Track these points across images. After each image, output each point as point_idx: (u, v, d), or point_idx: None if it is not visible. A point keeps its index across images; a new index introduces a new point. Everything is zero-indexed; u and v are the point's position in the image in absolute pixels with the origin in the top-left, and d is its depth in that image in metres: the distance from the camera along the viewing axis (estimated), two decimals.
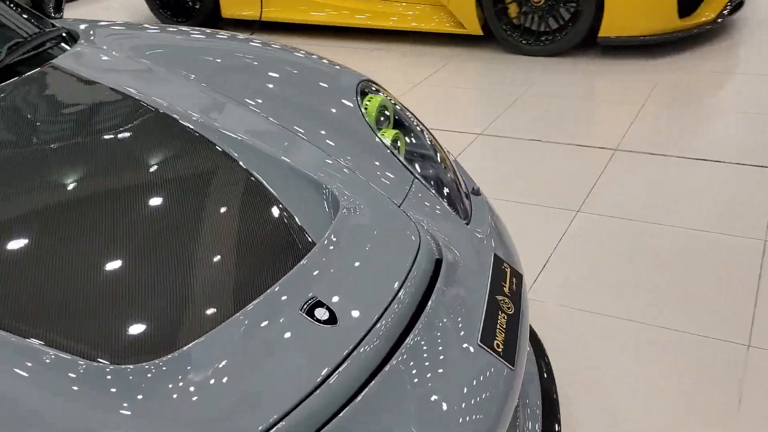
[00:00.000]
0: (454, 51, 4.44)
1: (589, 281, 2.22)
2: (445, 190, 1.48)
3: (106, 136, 1.37)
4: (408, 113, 1.64)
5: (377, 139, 1.47)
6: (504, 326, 1.19)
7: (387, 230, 1.26)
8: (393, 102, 1.62)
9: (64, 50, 1.64)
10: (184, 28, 1.90)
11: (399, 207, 1.33)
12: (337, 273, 1.12)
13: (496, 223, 1.52)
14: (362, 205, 1.27)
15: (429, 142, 1.60)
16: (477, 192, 1.55)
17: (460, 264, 1.26)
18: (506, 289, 1.28)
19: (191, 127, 1.36)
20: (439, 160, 1.56)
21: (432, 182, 1.47)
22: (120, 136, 1.37)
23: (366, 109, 1.54)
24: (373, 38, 4.75)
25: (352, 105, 1.53)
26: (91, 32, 1.77)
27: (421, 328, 1.09)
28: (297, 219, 1.21)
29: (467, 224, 1.40)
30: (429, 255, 1.22)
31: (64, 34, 1.72)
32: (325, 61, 1.72)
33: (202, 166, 1.31)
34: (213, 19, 5.10)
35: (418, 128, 1.62)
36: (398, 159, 1.44)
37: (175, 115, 1.39)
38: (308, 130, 1.43)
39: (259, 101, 1.49)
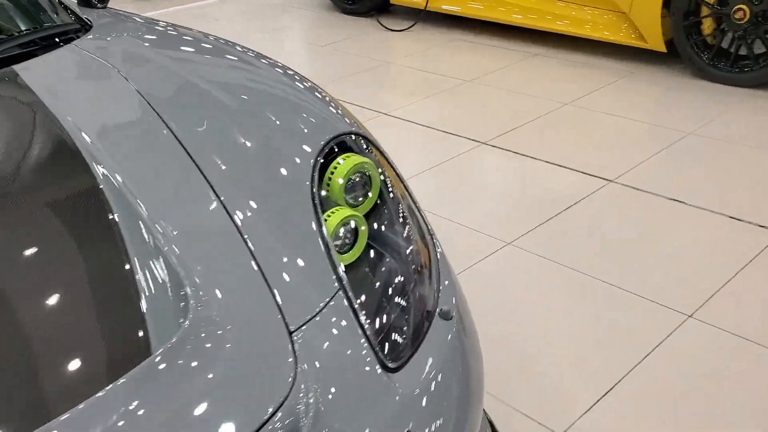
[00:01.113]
0: (627, 67, 3.77)
1: None
2: (389, 309, 1.06)
3: None
4: (395, 186, 1.22)
5: (313, 224, 1.08)
6: None
7: (246, 367, 0.89)
8: (381, 171, 1.20)
9: (52, 49, 1.47)
10: (197, 36, 1.62)
11: (290, 333, 0.95)
12: (130, 424, 0.78)
13: (465, 368, 1.07)
14: (226, 323, 0.91)
15: (406, 232, 1.17)
16: (447, 316, 1.11)
17: None
18: None
19: (97, 178, 1.08)
20: (409, 262, 1.14)
21: (372, 297, 1.06)
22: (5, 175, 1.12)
23: (333, 173, 1.16)
24: (532, 40, 4.20)
25: (306, 165, 1.15)
26: (104, 33, 1.58)
27: None
28: (134, 326, 0.89)
29: (394, 371, 0.98)
30: (291, 419, 0.84)
31: (75, 29, 1.56)
32: (317, 94, 1.34)
33: (72, 226, 1.02)
34: (383, 4, 5.06)
35: (401, 210, 1.20)
36: (329, 258, 1.05)
37: (91, 163, 1.11)
38: (230, 192, 1.08)
39: (200, 135, 1.17)
